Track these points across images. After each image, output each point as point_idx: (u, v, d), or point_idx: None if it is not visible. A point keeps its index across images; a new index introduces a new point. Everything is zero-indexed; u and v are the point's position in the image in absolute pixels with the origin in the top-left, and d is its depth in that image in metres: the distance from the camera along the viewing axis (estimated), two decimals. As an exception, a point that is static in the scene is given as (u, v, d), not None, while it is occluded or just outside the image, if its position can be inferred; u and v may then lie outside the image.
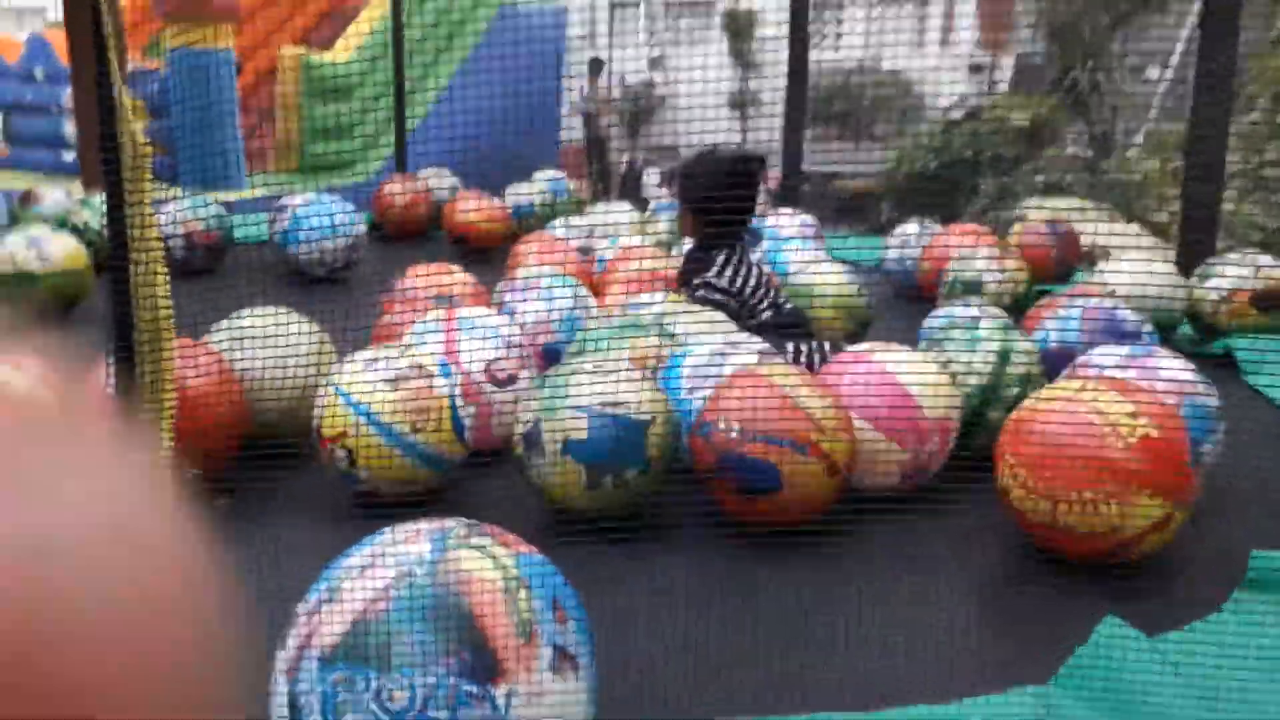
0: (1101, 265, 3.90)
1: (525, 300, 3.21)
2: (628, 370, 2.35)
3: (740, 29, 12.06)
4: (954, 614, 1.95)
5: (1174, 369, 2.35)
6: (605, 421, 2.20)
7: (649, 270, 3.73)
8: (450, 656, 1.22)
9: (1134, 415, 1.99)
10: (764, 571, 2.12)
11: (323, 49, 8.06)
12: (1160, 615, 1.88)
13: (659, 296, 3.20)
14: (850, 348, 2.64)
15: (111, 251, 1.13)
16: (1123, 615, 1.80)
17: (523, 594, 1.28)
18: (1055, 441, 2.00)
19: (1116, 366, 2.35)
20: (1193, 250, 4.25)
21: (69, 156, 8.08)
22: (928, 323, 3.20)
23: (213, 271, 4.83)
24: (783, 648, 1.80)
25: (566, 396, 2.24)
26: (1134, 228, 5.12)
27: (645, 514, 2.29)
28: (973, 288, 3.85)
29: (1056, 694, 1.69)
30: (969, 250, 4.03)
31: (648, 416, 2.24)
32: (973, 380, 2.54)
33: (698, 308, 3.06)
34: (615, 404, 2.22)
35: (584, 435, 2.19)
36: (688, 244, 3.70)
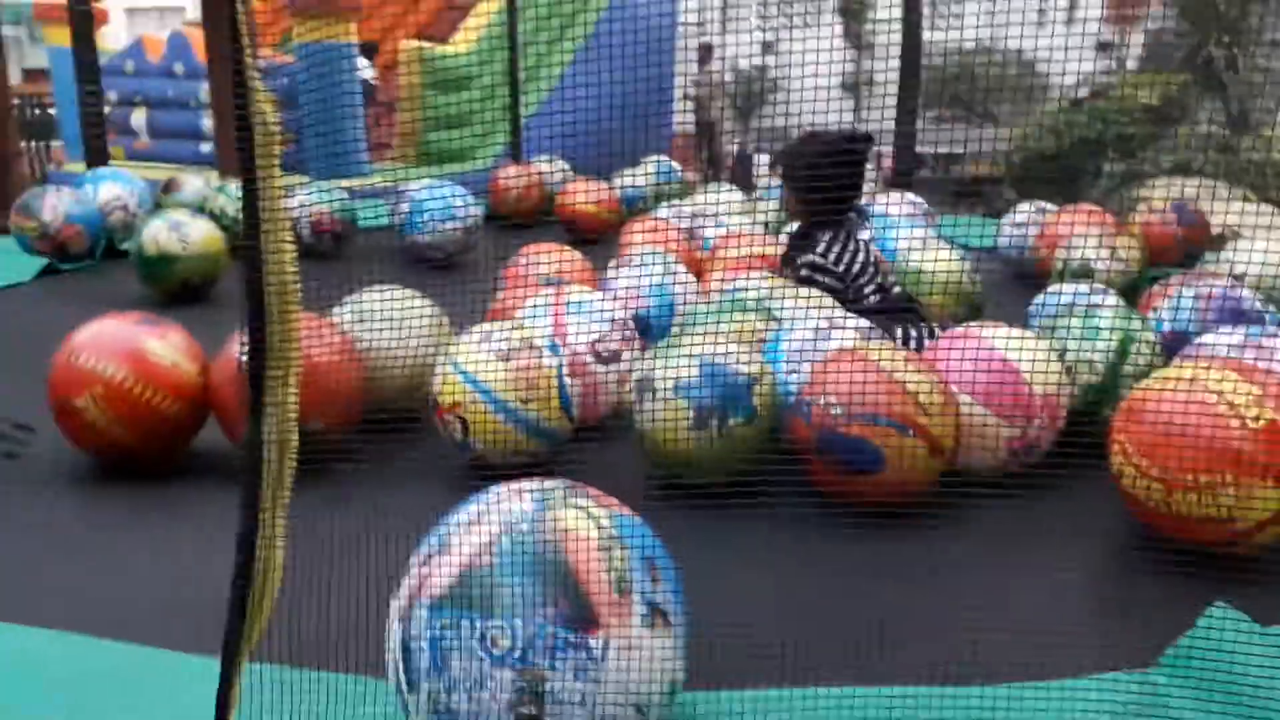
0: (1228, 248, 3.74)
1: (621, 276, 3.29)
2: (737, 340, 2.41)
3: (854, 10, 11.87)
4: (1057, 596, 1.93)
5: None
6: (717, 370, 2.33)
7: (754, 253, 3.75)
8: (550, 606, 1.29)
9: (1259, 399, 1.92)
10: (862, 547, 2.14)
11: (441, 41, 8.30)
12: (1274, 607, 1.82)
13: (760, 277, 3.22)
14: (956, 327, 2.63)
15: (245, 227, 1.23)
16: (1234, 605, 1.75)
17: (619, 551, 1.35)
18: (1172, 424, 1.95)
19: (1233, 349, 2.27)
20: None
21: (206, 148, 8.53)
22: (1037, 301, 3.12)
23: (338, 256, 5.05)
24: (876, 621, 1.82)
25: (680, 349, 2.39)
26: (1267, 209, 4.87)
27: (745, 484, 2.33)
28: (1083, 272, 3.74)
29: (1160, 679, 1.66)
30: (1080, 233, 3.91)
31: (756, 373, 2.35)
32: (1085, 375, 2.48)
33: (800, 288, 3.07)
34: (727, 358, 2.36)
35: (696, 377, 2.32)
36: (792, 226, 3.71)
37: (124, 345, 2.62)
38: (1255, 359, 2.18)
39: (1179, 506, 1.95)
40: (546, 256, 3.55)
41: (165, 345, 2.64)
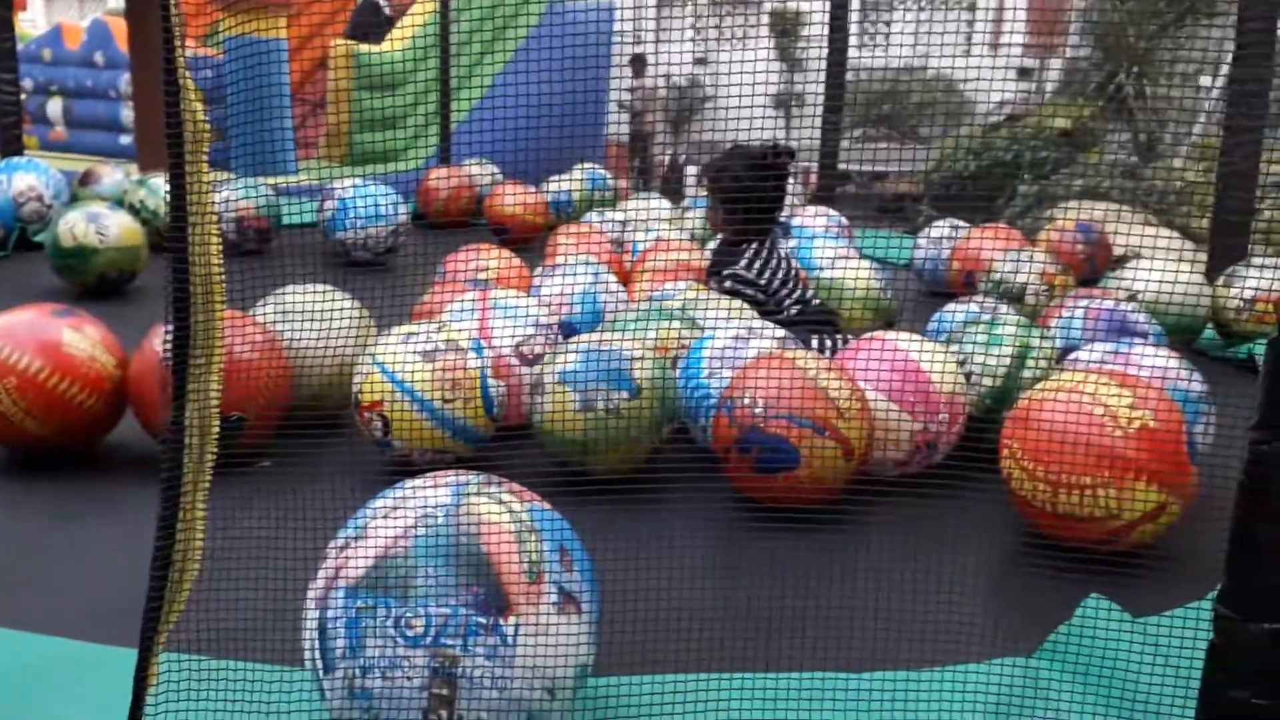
0: (1126, 268, 3.94)
1: (550, 280, 3.36)
2: (629, 336, 2.61)
3: (786, 28, 12.11)
4: (949, 591, 2.04)
5: (1158, 358, 2.43)
6: (593, 354, 2.48)
7: (680, 262, 3.84)
8: (464, 591, 1.34)
9: (1133, 405, 2.06)
10: (772, 544, 2.23)
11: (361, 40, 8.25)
12: (1147, 600, 1.95)
13: (684, 285, 3.31)
14: (865, 335, 2.75)
15: (172, 219, 1.26)
16: (1111, 597, 1.88)
17: (532, 539, 1.40)
18: (1057, 429, 2.08)
19: (1101, 358, 2.43)
20: (1224, 257, 4.28)
21: (126, 140, 8.35)
22: (943, 315, 3.26)
23: (262, 253, 5.01)
24: (780, 612, 1.90)
25: (567, 347, 2.55)
26: (1166, 232, 5.13)
27: (660, 481, 2.41)
28: (1013, 292, 3.87)
29: (1040, 666, 1.77)
30: (1014, 256, 4.05)
31: (636, 353, 2.49)
32: (987, 381, 2.62)
33: (724, 298, 3.17)
34: (605, 344, 2.51)
35: (574, 362, 2.47)
36: (717, 240, 3.81)
37: (39, 337, 2.59)
38: (1119, 368, 2.34)
39: (1063, 506, 2.07)
40: (486, 257, 3.60)
41: (82, 338, 2.62)
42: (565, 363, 2.49)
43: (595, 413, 2.41)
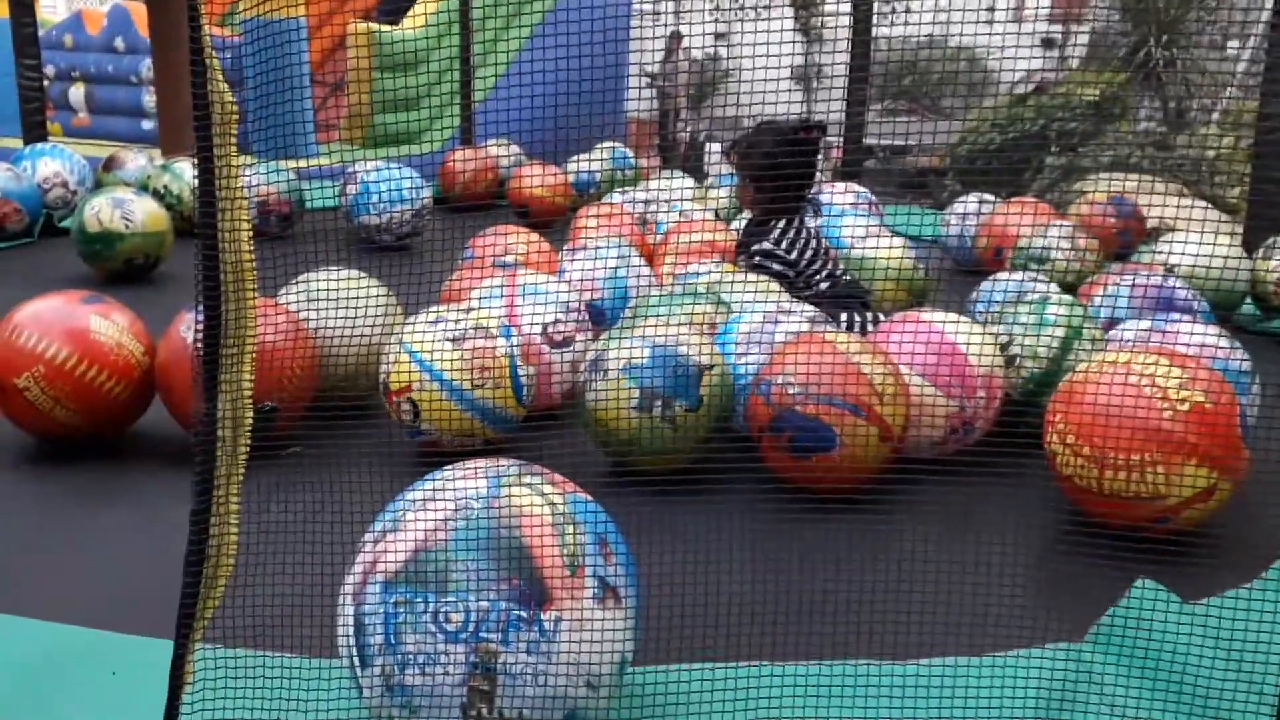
0: (1163, 241, 3.86)
1: (576, 262, 3.31)
2: (690, 327, 2.45)
3: (807, 2, 11.96)
4: (993, 574, 2.00)
5: (1199, 333, 2.36)
6: (667, 354, 2.37)
7: (706, 241, 3.79)
8: (503, 584, 1.31)
9: (1187, 383, 2.00)
10: (809, 530, 2.19)
11: (391, 21, 8.21)
12: (1198, 583, 1.90)
13: (713, 265, 3.26)
14: (899, 313, 2.69)
15: (202, 204, 1.23)
16: (1160, 581, 1.83)
17: (571, 530, 1.37)
18: (1105, 407, 2.02)
19: (1144, 335, 2.37)
20: (1260, 229, 4.19)
21: (148, 125, 8.36)
22: (984, 289, 3.20)
23: (285, 237, 5.00)
24: (821, 601, 1.87)
25: (634, 332, 2.44)
26: (1201, 204, 5.03)
27: (697, 470, 2.37)
28: (1041, 260, 3.83)
29: (1088, 652, 1.73)
30: (1047, 224, 4.00)
31: (706, 362, 2.39)
32: (1030, 364, 2.56)
33: (752, 276, 3.12)
34: (678, 344, 2.39)
35: (645, 359, 2.37)
36: (745, 216, 3.76)
37: (67, 324, 2.58)
38: (1162, 344, 2.28)
39: (1110, 486, 2.02)
40: (513, 239, 3.56)
41: (109, 324, 2.60)
42: (634, 356, 2.37)
43: (652, 417, 2.34)
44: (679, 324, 2.55)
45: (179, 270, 4.52)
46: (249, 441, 1.32)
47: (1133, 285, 2.95)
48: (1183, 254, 3.52)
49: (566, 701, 1.34)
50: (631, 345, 2.39)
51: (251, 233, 1.29)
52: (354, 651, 1.38)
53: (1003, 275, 3.35)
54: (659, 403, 2.33)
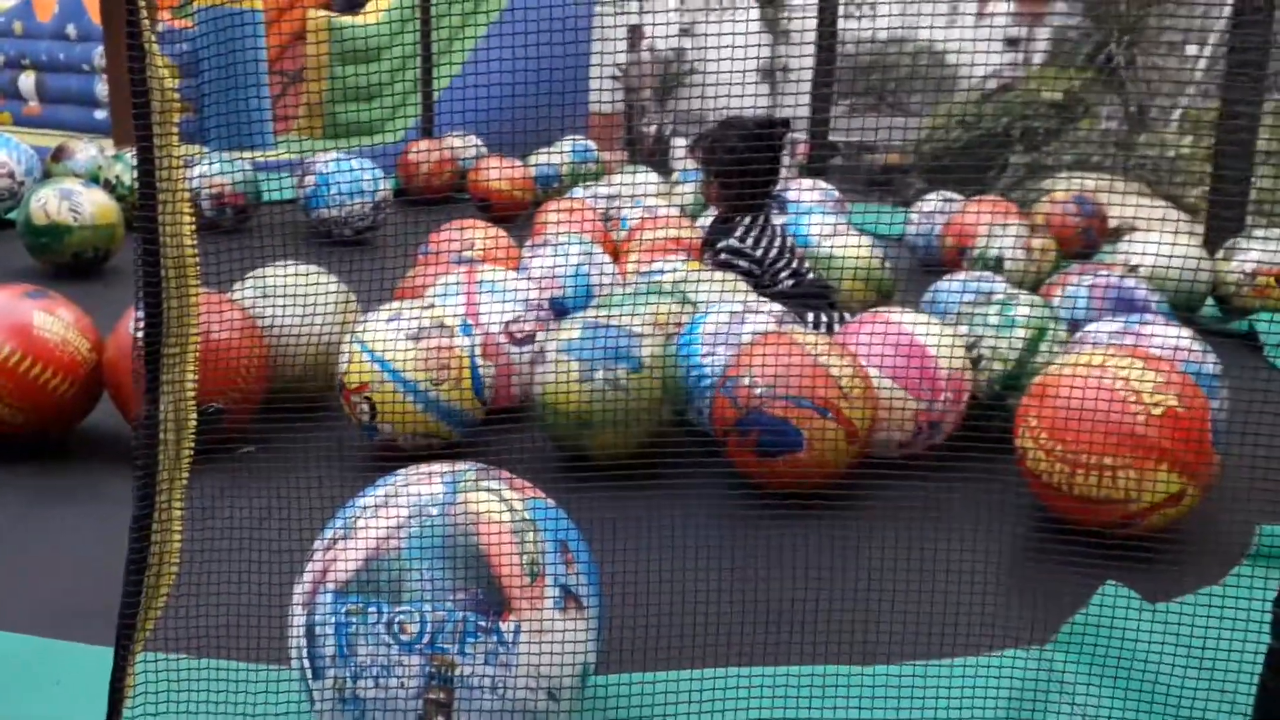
0: (1125, 241, 3.88)
1: (539, 258, 3.26)
2: (634, 315, 2.53)
3: (771, -2, 11.95)
4: (960, 577, 1.98)
5: (1171, 336, 2.36)
6: (600, 329, 2.42)
7: (670, 238, 3.75)
8: (460, 592, 1.27)
9: (1161, 387, 2.00)
10: (774, 532, 2.16)
11: (350, 12, 8.08)
12: (1162, 585, 1.89)
13: (678, 262, 3.22)
14: (865, 311, 2.67)
15: (141, 197, 1.17)
16: (1126, 584, 1.82)
17: (531, 536, 1.33)
18: (1080, 407, 2.01)
19: (1113, 336, 2.37)
20: (1221, 229, 4.23)
21: (100, 114, 8.15)
22: (941, 289, 3.19)
23: (240, 230, 4.89)
24: (787, 604, 1.84)
25: (571, 320, 2.51)
26: (1162, 204, 5.08)
27: (659, 466, 2.34)
28: (997, 264, 3.83)
29: (1055, 655, 1.72)
30: (999, 226, 4.00)
31: (643, 331, 2.44)
32: (998, 366, 2.55)
33: (717, 273, 3.09)
34: (610, 320, 2.46)
35: (578, 335, 2.42)
36: (711, 213, 3.72)
37: (9, 319, 2.48)
38: (1134, 345, 2.27)
39: (1080, 487, 2.01)
40: (472, 233, 3.49)
41: (54, 320, 2.52)
42: (569, 335, 2.43)
43: (599, 388, 2.33)
44: (642, 321, 2.52)
45: (130, 264, 4.38)
46: (193, 444, 1.26)
47: (1091, 285, 2.96)
48: (1142, 254, 3.54)
49: (526, 714, 1.30)
50: (566, 329, 2.46)
51: (196, 226, 1.23)
52: (305, 661, 1.32)
53: (959, 275, 3.34)
54: (601, 370, 2.34)
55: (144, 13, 1.13)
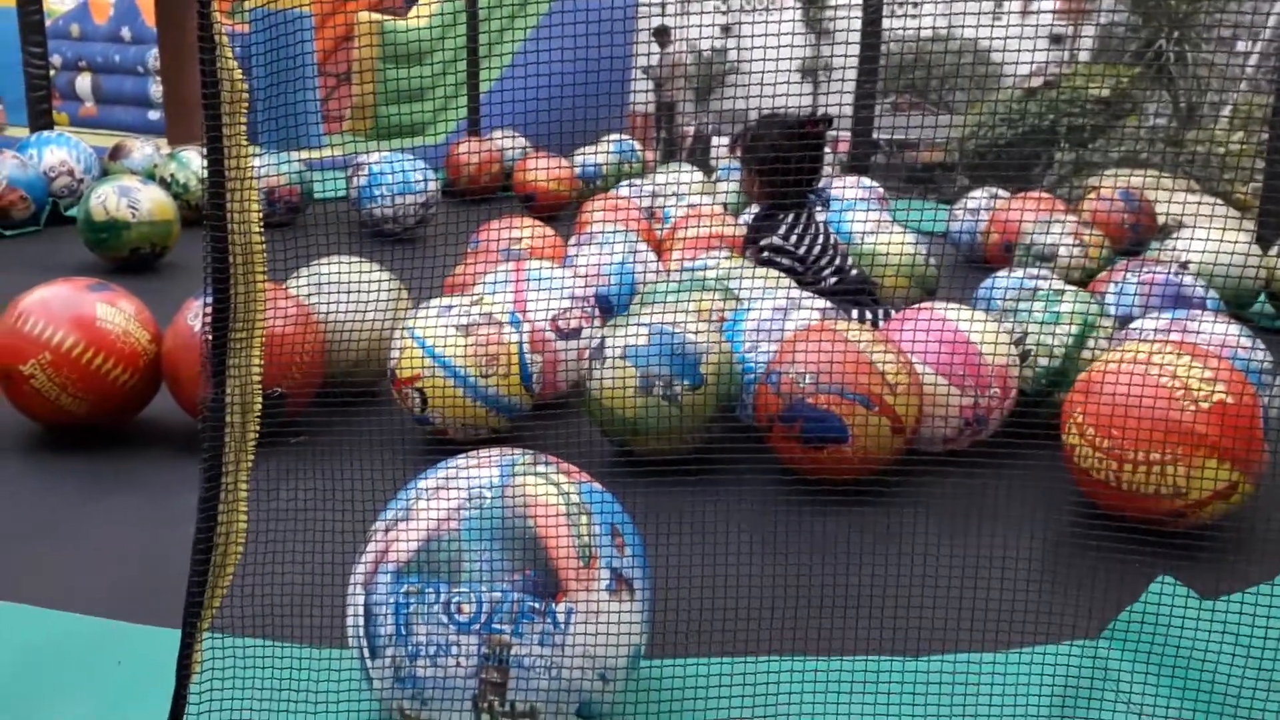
0: (1174, 236, 3.83)
1: (583, 252, 3.29)
2: (701, 319, 2.49)
3: (813, -4, 11.92)
4: (1007, 569, 1.98)
5: (1219, 330, 2.33)
6: (666, 337, 2.37)
7: (713, 231, 3.76)
8: (515, 574, 1.29)
9: (1210, 380, 1.98)
10: (820, 522, 2.17)
11: (398, 14, 8.18)
12: (1215, 580, 1.88)
13: (720, 256, 3.24)
14: (911, 306, 2.67)
15: (211, 186, 1.21)
16: (1178, 578, 1.81)
17: (584, 520, 1.35)
18: (1127, 401, 1.99)
19: (1162, 330, 2.34)
20: (1274, 225, 4.16)
21: (154, 115, 8.33)
22: (990, 285, 3.18)
23: (292, 225, 4.98)
24: (833, 594, 1.85)
25: (637, 318, 2.44)
26: (1211, 200, 5.00)
27: (705, 458, 2.36)
28: (1046, 257, 3.80)
29: (1105, 649, 1.71)
30: (1045, 218, 3.97)
31: (706, 345, 2.39)
32: (1044, 360, 2.53)
33: (760, 269, 3.10)
34: (679, 326, 2.40)
35: (644, 342, 2.36)
36: (754, 209, 3.73)
37: (73, 311, 2.56)
38: (1182, 339, 2.25)
39: (1129, 482, 2.00)
40: (520, 229, 3.54)
41: (116, 312, 2.58)
42: (635, 338, 2.38)
43: (653, 398, 2.33)
44: (685, 313, 2.54)
45: (186, 260, 4.50)
46: (258, 427, 1.30)
47: (1140, 280, 2.93)
48: (1189, 248, 3.49)
49: (579, 694, 1.33)
50: (631, 329, 2.40)
51: (262, 213, 1.27)
52: (363, 641, 1.36)
53: (1004, 271, 3.33)
54: (660, 382, 2.32)
55: (215, 3, 1.17)
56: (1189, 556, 1.95)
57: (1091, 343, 2.52)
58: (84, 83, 8.95)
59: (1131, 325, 2.54)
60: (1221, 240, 3.64)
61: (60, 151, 5.31)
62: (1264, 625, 1.65)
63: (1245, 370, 2.19)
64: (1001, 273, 3.27)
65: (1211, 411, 1.95)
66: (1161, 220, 4.52)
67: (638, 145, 6.50)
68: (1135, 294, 2.88)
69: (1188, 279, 2.96)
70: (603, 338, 2.45)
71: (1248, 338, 2.40)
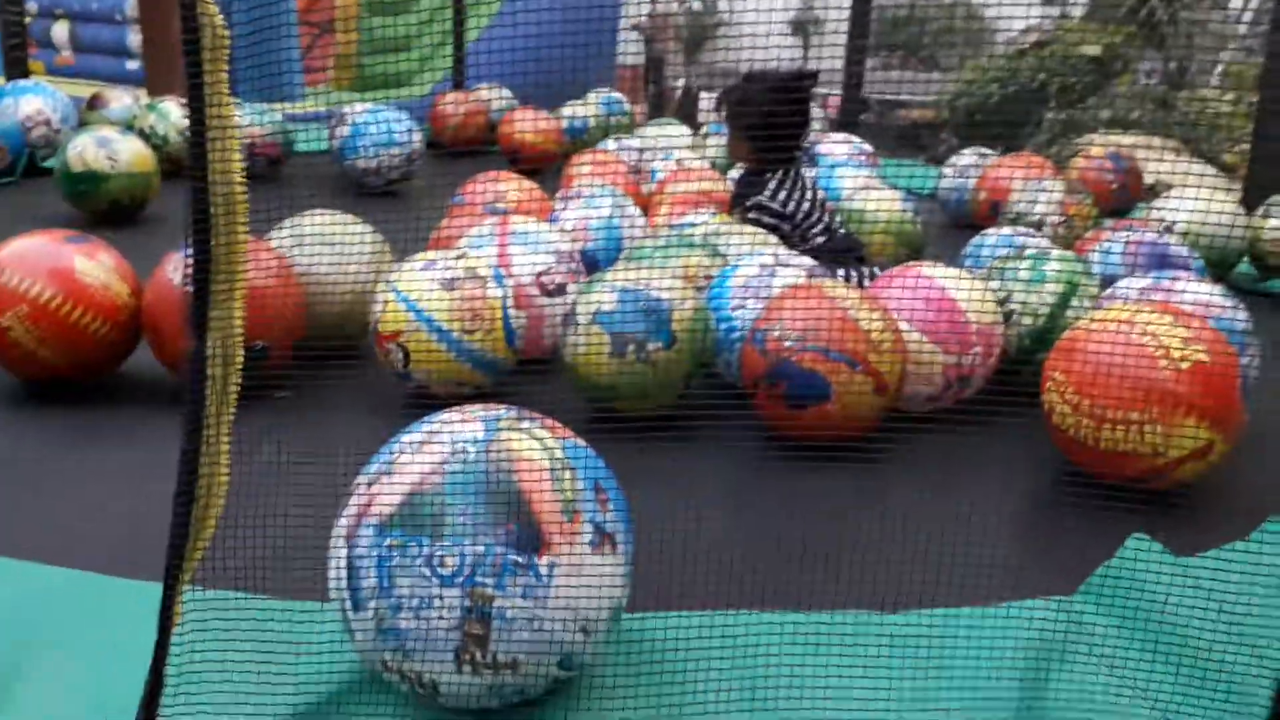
0: (1161, 199, 3.83)
1: (569, 209, 3.27)
2: (669, 272, 2.46)
3: (804, -50, 11.75)
4: (986, 527, 2.00)
5: (1200, 291, 2.35)
6: (634, 296, 2.35)
7: (700, 190, 3.74)
8: (498, 528, 1.30)
9: (1186, 340, 1.99)
10: (801, 480, 2.18)
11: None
12: (1190, 538, 1.90)
13: (707, 215, 3.22)
14: (897, 266, 2.67)
15: (192, 134, 1.19)
16: (1154, 536, 1.83)
17: (567, 475, 1.36)
18: (1105, 361, 2.01)
19: (1145, 292, 2.36)
20: (1260, 188, 4.16)
21: (132, 65, 8.18)
22: (977, 243, 3.18)
23: (273, 179, 4.92)
24: (813, 550, 1.86)
25: (604, 280, 2.42)
26: (1199, 163, 5.00)
27: (687, 417, 2.36)
28: (1033, 221, 3.79)
29: (1080, 604, 1.73)
30: (1034, 182, 3.95)
31: (677, 299, 2.37)
32: (1027, 320, 2.54)
33: (748, 228, 3.08)
34: (647, 284, 2.37)
35: (613, 306, 2.35)
36: (739, 169, 3.70)
37: (51, 263, 2.53)
38: (1164, 300, 2.26)
39: (1106, 442, 2.02)
40: (505, 185, 3.50)
41: (95, 265, 2.56)
42: (603, 303, 2.36)
43: (627, 360, 2.33)
44: (670, 273, 2.52)
45: (166, 212, 4.44)
46: (240, 381, 1.29)
47: (1125, 242, 2.93)
48: (1178, 210, 3.50)
49: (560, 647, 1.34)
50: (597, 293, 2.38)
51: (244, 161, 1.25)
52: (346, 595, 1.36)
53: (992, 231, 3.32)
54: (632, 345, 2.32)
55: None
56: (1165, 515, 1.98)
57: (1076, 304, 2.53)
58: (60, 30, 8.77)
59: (1115, 287, 2.55)
60: (1210, 202, 3.65)
61: (36, 100, 5.21)
62: (1236, 583, 1.68)
63: (1226, 331, 2.20)
64: (989, 231, 3.27)
65: (1190, 371, 1.96)
66: (1150, 182, 4.53)
67: (623, 99, 6.43)
68: (1120, 255, 2.89)
69: (1170, 240, 2.97)
70: (574, 305, 2.45)
71: (1229, 299, 2.41)
